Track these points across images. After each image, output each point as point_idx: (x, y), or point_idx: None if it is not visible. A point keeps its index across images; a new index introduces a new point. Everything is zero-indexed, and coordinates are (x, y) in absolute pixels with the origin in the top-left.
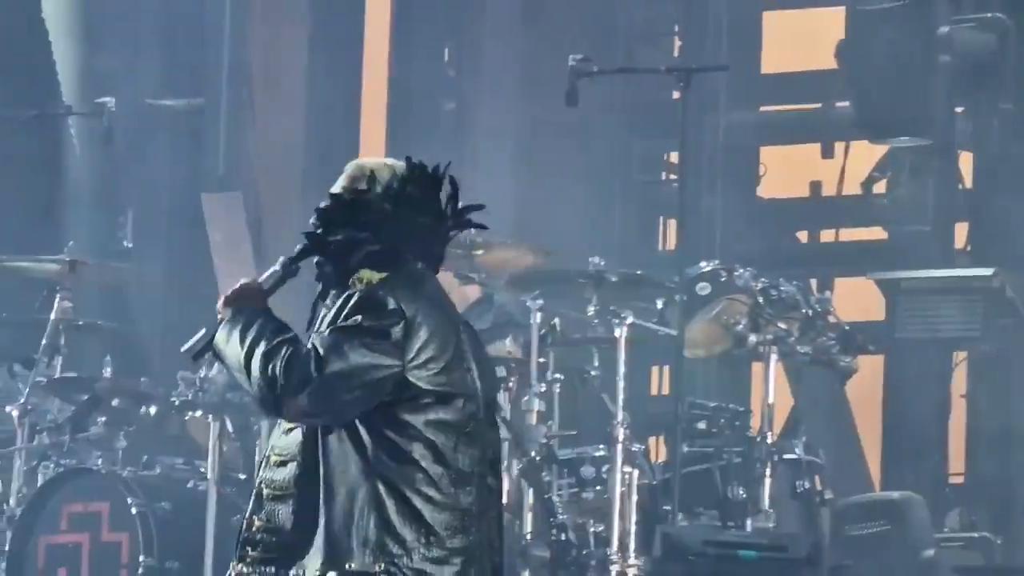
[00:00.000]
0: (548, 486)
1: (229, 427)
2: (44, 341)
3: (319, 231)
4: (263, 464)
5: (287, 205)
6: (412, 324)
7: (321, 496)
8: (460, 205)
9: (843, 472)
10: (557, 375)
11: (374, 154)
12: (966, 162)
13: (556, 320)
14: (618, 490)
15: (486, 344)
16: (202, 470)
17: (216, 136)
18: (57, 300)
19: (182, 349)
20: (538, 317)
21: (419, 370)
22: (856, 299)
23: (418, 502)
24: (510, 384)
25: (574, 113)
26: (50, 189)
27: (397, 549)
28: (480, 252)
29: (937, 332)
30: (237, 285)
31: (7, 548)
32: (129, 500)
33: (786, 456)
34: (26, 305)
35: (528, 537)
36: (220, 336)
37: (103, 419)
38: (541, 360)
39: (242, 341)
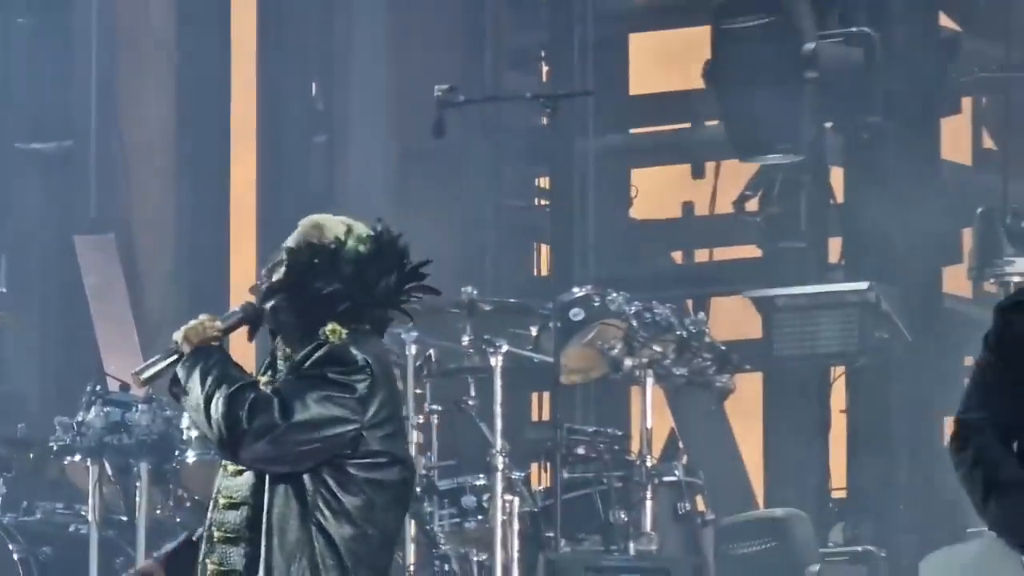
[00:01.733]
0: (429, 517)
1: (108, 470)
2: None
3: (288, 278)
4: (211, 506)
5: (161, 245)
6: (376, 383)
7: (262, 537)
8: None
9: (725, 491)
10: (434, 406)
11: (246, 191)
12: (837, 177)
13: (431, 351)
14: (499, 519)
15: None
16: (83, 514)
17: (87, 178)
18: None
19: (134, 371)
20: (413, 349)
21: (375, 430)
22: (732, 318)
23: (346, 556)
24: None
25: (444, 141)
26: None
27: None
28: None
29: (814, 348)
30: (196, 320)
31: None
32: (10, 547)
33: (666, 478)
34: None
35: (411, 569)
36: (180, 373)
37: None
38: (418, 392)
39: (203, 382)
